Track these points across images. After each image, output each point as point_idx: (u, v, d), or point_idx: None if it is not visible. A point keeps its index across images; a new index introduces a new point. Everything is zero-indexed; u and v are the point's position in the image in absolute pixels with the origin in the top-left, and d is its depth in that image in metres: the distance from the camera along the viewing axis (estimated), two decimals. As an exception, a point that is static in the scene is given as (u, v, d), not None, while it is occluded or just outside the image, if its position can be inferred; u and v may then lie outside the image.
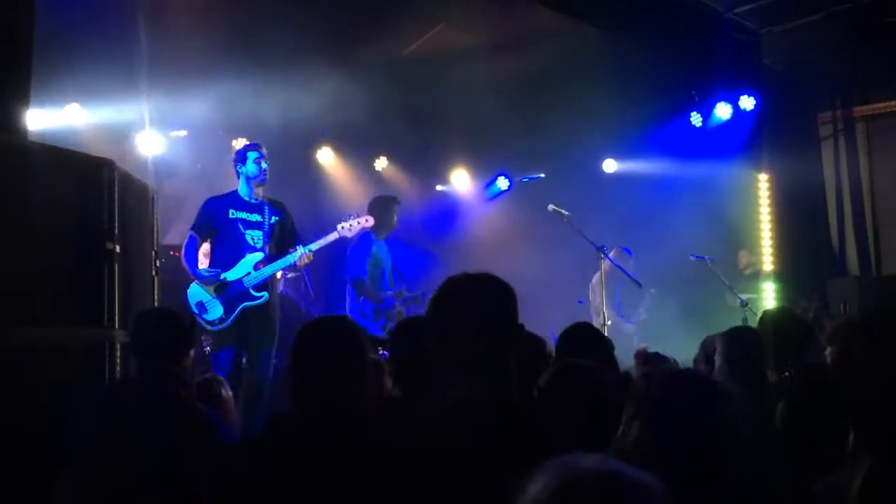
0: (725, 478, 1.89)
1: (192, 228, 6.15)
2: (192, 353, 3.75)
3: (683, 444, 1.90)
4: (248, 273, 5.97)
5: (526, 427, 2.10)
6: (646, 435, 1.95)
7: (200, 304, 5.97)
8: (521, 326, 2.27)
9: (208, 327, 5.97)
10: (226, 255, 6.05)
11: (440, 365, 2.19)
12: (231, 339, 5.93)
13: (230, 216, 6.07)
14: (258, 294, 5.98)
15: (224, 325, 5.93)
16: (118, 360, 4.09)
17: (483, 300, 2.23)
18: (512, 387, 2.21)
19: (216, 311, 5.95)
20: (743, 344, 3.98)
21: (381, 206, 7.66)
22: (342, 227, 6.44)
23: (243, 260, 5.99)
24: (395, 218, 7.69)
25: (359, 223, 6.51)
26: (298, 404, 2.55)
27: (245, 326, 5.94)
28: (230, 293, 5.94)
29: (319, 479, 2.25)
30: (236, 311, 5.93)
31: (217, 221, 6.09)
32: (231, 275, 5.96)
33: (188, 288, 6.05)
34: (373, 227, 6.99)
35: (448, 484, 1.93)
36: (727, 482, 1.89)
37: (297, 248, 6.08)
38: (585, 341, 3.85)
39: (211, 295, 5.96)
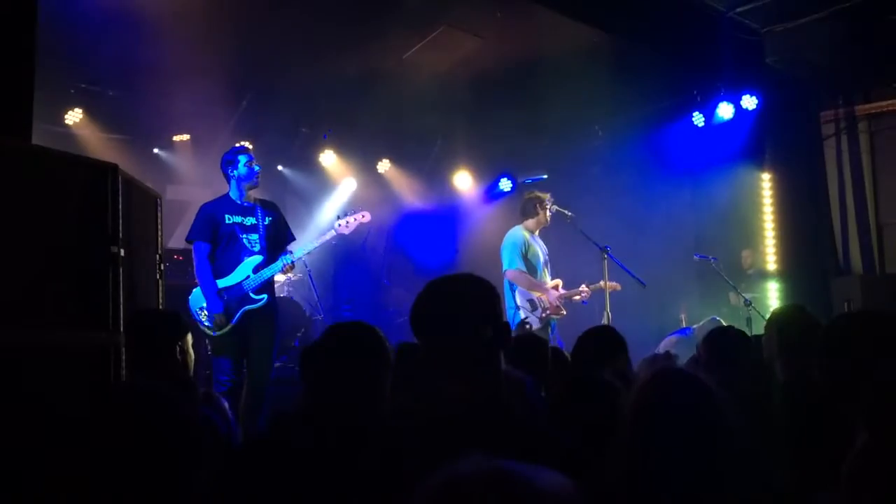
0: (720, 481, 1.89)
1: (196, 237, 5.97)
2: (179, 346, 3.65)
3: (677, 446, 1.91)
4: (248, 276, 5.94)
5: (512, 425, 2.10)
6: (639, 438, 1.96)
7: (203, 309, 5.95)
8: (507, 325, 2.26)
9: (211, 332, 5.94)
10: (225, 262, 5.98)
11: (429, 366, 2.18)
12: (232, 343, 5.88)
13: (227, 221, 5.99)
14: (258, 297, 5.96)
15: (226, 329, 5.91)
16: (123, 364, 4.10)
17: (465, 300, 2.21)
18: (501, 385, 2.20)
19: (218, 315, 5.94)
20: (719, 346, 3.95)
21: (528, 203, 7.84)
22: (339, 225, 6.45)
23: (242, 264, 5.96)
24: (545, 214, 7.78)
25: (356, 219, 6.51)
26: (308, 404, 2.55)
27: (246, 330, 5.91)
28: (230, 298, 5.91)
29: (321, 480, 2.25)
30: (238, 315, 5.92)
31: (217, 226, 6.00)
32: (230, 280, 5.95)
33: (191, 293, 6.04)
34: (523, 223, 7.73)
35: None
36: (722, 486, 1.89)
37: (281, 258, 6.02)
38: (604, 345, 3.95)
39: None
